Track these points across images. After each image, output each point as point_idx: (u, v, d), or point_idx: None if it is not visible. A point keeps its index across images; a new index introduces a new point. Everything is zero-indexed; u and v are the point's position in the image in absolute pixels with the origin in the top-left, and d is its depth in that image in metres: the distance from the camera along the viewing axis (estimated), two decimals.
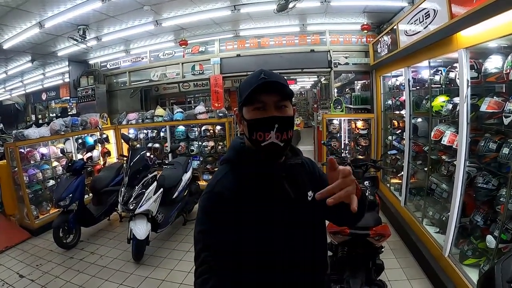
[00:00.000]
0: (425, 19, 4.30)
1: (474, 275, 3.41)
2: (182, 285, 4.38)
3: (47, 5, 6.11)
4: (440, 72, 4.34)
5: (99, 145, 8.30)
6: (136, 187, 5.11)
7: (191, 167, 6.96)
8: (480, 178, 3.40)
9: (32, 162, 6.57)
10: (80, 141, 7.84)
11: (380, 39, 6.73)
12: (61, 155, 6.85)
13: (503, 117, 3.01)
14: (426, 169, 4.95)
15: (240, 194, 1.35)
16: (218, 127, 8.22)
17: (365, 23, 7.71)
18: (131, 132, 8.97)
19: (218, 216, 1.32)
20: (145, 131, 8.96)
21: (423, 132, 5.14)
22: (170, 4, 6.59)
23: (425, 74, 5.07)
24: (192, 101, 14.57)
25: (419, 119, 5.29)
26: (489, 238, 3.22)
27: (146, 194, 5.12)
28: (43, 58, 10.23)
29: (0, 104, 17.88)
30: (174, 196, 5.99)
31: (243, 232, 1.31)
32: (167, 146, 8.40)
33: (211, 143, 8.26)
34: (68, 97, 13.62)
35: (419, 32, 4.56)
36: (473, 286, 3.29)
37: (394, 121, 6.60)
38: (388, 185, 6.84)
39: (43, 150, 6.90)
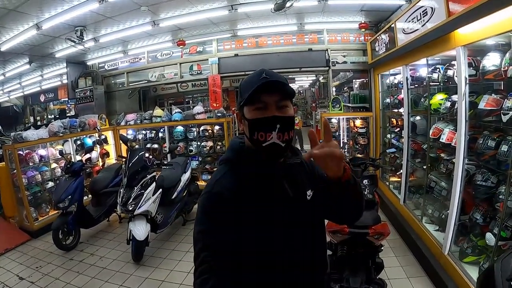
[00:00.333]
0: (423, 17, 4.30)
1: (473, 273, 3.41)
2: (182, 285, 4.37)
3: (44, 7, 6.09)
4: (438, 70, 4.34)
5: (98, 146, 8.29)
6: (135, 188, 5.10)
7: (190, 167, 6.95)
8: (479, 175, 3.40)
9: (31, 164, 6.56)
10: (78, 142, 7.83)
11: (378, 37, 6.73)
12: (60, 156, 6.85)
13: (502, 114, 3.00)
14: (425, 167, 4.94)
15: (240, 194, 1.35)
16: (217, 127, 8.21)
17: (363, 21, 7.71)
18: (129, 133, 8.98)
19: (218, 216, 1.33)
20: (143, 131, 8.96)
21: (422, 130, 5.14)
22: (167, 4, 6.58)
23: (423, 72, 5.06)
24: (191, 101, 14.55)
25: (418, 117, 5.29)
26: (489, 235, 3.22)
27: (145, 195, 5.11)
28: (41, 59, 10.20)
29: None
30: (173, 197, 5.98)
31: (242, 232, 1.32)
32: (165, 147, 8.40)
33: (210, 143, 8.25)
34: (67, 99, 13.60)
35: (417, 30, 4.56)
36: (472, 284, 3.29)
37: (392, 119, 6.61)
38: (387, 183, 6.84)
39: (42, 152, 6.89)
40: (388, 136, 6.86)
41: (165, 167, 6.01)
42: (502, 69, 3.01)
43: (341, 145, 7.85)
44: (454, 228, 3.82)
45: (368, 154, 7.62)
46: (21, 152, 6.39)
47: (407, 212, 5.41)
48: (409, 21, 4.81)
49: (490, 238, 3.20)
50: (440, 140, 4.17)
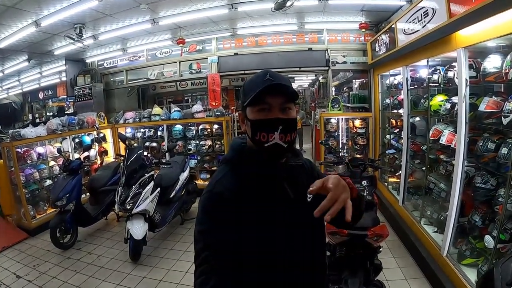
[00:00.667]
0: (424, 18, 4.29)
1: (472, 275, 3.41)
2: (180, 285, 4.36)
3: (43, 4, 6.07)
4: (438, 71, 4.33)
5: (96, 144, 8.26)
6: (133, 187, 5.10)
7: (189, 166, 6.95)
8: (478, 177, 3.39)
9: (29, 161, 6.54)
10: (77, 140, 7.79)
11: (378, 38, 6.72)
12: (58, 154, 6.84)
13: (502, 117, 2.99)
14: (424, 168, 4.94)
15: (241, 194, 1.35)
16: (216, 126, 8.18)
17: (363, 21, 7.69)
18: (128, 131, 8.96)
19: (218, 215, 1.33)
20: (142, 130, 8.94)
21: (421, 131, 5.13)
22: (167, 2, 6.57)
23: (423, 73, 5.05)
24: (190, 100, 14.54)
25: (417, 118, 5.28)
26: (488, 238, 3.21)
27: (143, 194, 5.10)
28: (40, 57, 10.18)
29: None
30: (171, 196, 5.98)
31: (243, 232, 1.32)
32: (164, 145, 8.37)
33: (209, 142, 8.23)
34: (65, 96, 13.56)
35: (418, 31, 4.55)
36: (471, 286, 3.29)
37: (392, 120, 6.60)
38: (386, 184, 6.84)
39: (40, 149, 6.86)
40: (388, 137, 6.85)
41: (163, 165, 5.99)
42: (503, 71, 3.00)
43: (340, 146, 7.84)
44: (453, 230, 3.81)
45: (367, 154, 7.62)
46: (19, 150, 6.36)
47: (406, 213, 5.40)
48: (410, 22, 4.79)
49: (489, 241, 3.19)
50: (440, 141, 4.17)
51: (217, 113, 8.14)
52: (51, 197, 5.71)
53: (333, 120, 7.91)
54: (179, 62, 9.49)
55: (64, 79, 11.67)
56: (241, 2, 6.76)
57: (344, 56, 8.37)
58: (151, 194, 5.28)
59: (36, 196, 6.62)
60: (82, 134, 7.91)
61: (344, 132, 8.03)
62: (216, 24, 8.21)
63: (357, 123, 7.81)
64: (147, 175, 5.39)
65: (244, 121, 1.45)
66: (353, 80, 10.28)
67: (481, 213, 3.42)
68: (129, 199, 4.99)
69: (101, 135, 8.42)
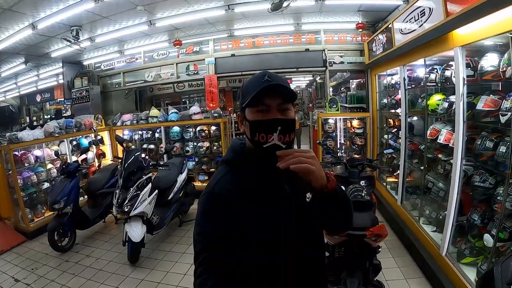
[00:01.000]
0: (421, 17, 4.29)
1: (471, 274, 3.41)
2: (178, 287, 4.35)
3: (40, 6, 6.04)
4: (435, 70, 4.33)
5: (94, 146, 8.25)
6: (131, 189, 5.08)
7: (186, 168, 6.93)
8: (477, 176, 3.39)
9: (26, 164, 6.53)
10: (74, 143, 7.80)
11: (375, 37, 6.72)
12: (56, 157, 6.81)
13: (500, 115, 3.00)
14: (422, 167, 4.95)
15: (240, 195, 1.36)
16: (213, 128, 8.17)
17: (360, 21, 7.70)
18: (126, 133, 8.95)
19: (218, 216, 1.33)
20: (140, 132, 8.93)
21: (419, 130, 5.14)
22: (163, 4, 6.55)
23: (420, 72, 5.06)
24: (187, 102, 14.53)
25: (415, 118, 5.29)
26: (487, 236, 3.21)
27: (141, 196, 5.08)
28: (37, 59, 10.14)
29: None
30: (169, 198, 5.96)
31: (242, 232, 1.32)
32: (162, 147, 8.35)
33: (207, 144, 8.21)
34: (63, 99, 13.52)
35: (415, 30, 4.56)
36: (470, 285, 3.29)
37: (389, 120, 6.60)
38: (385, 184, 6.85)
39: (38, 152, 6.86)
40: (385, 136, 6.86)
41: (161, 167, 5.99)
42: (500, 69, 3.01)
43: (338, 146, 7.84)
44: (452, 229, 3.81)
45: (365, 154, 7.63)
46: (16, 153, 6.36)
47: (404, 213, 5.40)
48: (407, 22, 4.80)
49: (488, 239, 3.19)
50: (438, 141, 4.17)
51: (214, 115, 8.13)
52: (49, 200, 5.69)
53: (331, 121, 7.91)
54: (176, 63, 9.46)
55: (61, 81, 11.62)
56: (237, 3, 6.75)
57: (341, 56, 8.36)
58: (149, 196, 5.27)
59: (34, 199, 6.62)
60: (80, 136, 7.91)
61: (342, 132, 8.03)
62: (213, 25, 8.19)
63: (355, 123, 7.81)
64: (145, 177, 5.37)
65: (243, 122, 1.45)
66: (351, 80, 10.30)
67: (480, 211, 3.42)
68: (127, 201, 4.97)
69: (99, 137, 8.40)
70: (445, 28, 3.62)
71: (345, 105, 8.31)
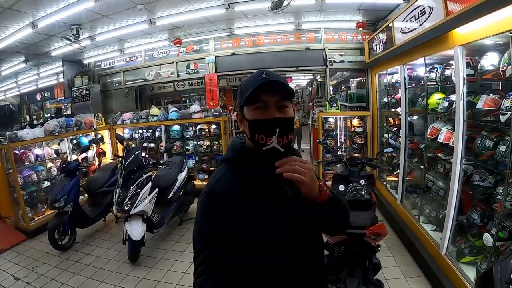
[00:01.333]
0: (421, 16, 4.29)
1: (471, 273, 3.41)
2: (178, 286, 4.36)
3: (40, 5, 6.05)
4: (436, 69, 4.33)
5: (94, 145, 8.25)
6: (131, 188, 5.08)
7: (187, 167, 6.93)
8: (476, 175, 3.39)
9: (26, 163, 6.54)
10: (74, 141, 7.81)
11: (375, 36, 6.72)
12: (56, 156, 6.80)
13: (500, 115, 3.00)
14: (422, 167, 4.95)
15: (240, 194, 1.35)
16: (213, 126, 8.17)
17: (360, 20, 7.70)
18: (126, 132, 8.93)
19: (218, 215, 1.33)
20: (140, 130, 8.92)
21: (419, 129, 5.14)
22: (163, 2, 6.56)
23: (420, 71, 5.06)
24: (187, 100, 14.52)
25: (415, 117, 5.29)
26: (486, 236, 3.21)
27: (141, 195, 5.09)
28: (37, 58, 10.15)
29: None
30: (169, 196, 5.96)
31: (242, 232, 1.32)
32: (162, 146, 8.34)
33: (207, 142, 8.21)
34: (63, 97, 13.52)
35: (415, 29, 4.56)
36: (470, 284, 3.29)
37: (390, 118, 6.60)
38: (385, 183, 6.85)
39: (38, 151, 6.87)
40: (385, 135, 6.85)
41: (161, 166, 5.98)
42: (500, 69, 3.01)
43: (338, 145, 7.84)
44: (452, 228, 3.81)
45: (365, 153, 7.63)
46: (16, 152, 6.35)
47: (404, 212, 5.40)
48: (407, 21, 4.80)
49: (487, 239, 3.19)
50: (438, 140, 4.17)
51: (214, 113, 8.13)
52: (49, 198, 5.69)
53: (331, 120, 7.91)
54: (177, 62, 9.48)
55: (61, 80, 11.62)
56: (238, 2, 6.75)
57: (341, 55, 8.37)
58: (149, 195, 5.28)
59: (34, 198, 6.63)
60: (80, 135, 7.90)
61: (342, 131, 8.03)
62: (213, 24, 8.20)
63: (355, 122, 7.82)
64: (145, 176, 5.37)
65: (242, 121, 1.44)
66: (351, 79, 10.29)
67: (480, 211, 3.41)
68: (127, 200, 4.97)
69: (99, 136, 8.39)
70: (445, 27, 3.62)
71: (345, 104, 8.32)
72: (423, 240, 4.52)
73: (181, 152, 8.23)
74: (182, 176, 6.45)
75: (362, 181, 4.14)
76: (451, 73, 3.86)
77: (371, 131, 7.61)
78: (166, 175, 6.07)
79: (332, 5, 7.13)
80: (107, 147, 8.73)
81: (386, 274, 4.14)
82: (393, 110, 6.35)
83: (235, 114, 7.45)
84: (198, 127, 8.20)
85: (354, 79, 9.96)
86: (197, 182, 7.79)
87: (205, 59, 9.09)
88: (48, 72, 12.51)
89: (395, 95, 6.11)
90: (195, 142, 8.30)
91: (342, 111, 7.95)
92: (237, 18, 7.88)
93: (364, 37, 8.14)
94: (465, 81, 3.47)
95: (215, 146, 8.19)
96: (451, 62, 3.87)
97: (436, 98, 4.38)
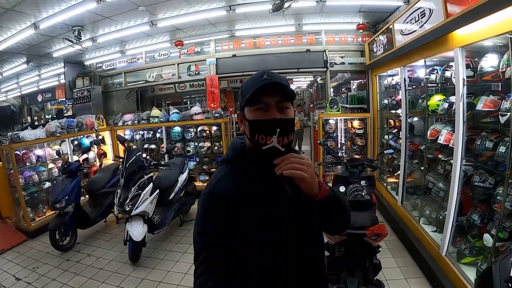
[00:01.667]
0: (421, 18, 4.31)
1: (471, 274, 3.41)
2: (179, 286, 4.36)
3: (42, 6, 6.07)
4: (436, 71, 4.34)
5: (95, 146, 8.27)
6: (132, 189, 5.09)
7: (187, 168, 6.94)
8: (476, 176, 3.40)
9: (27, 164, 6.54)
10: (76, 142, 7.81)
11: (375, 38, 6.73)
12: (57, 157, 6.81)
13: (499, 116, 3.01)
14: (422, 168, 4.96)
15: (240, 194, 1.35)
16: (214, 128, 8.17)
17: (361, 22, 7.72)
18: (127, 133, 8.95)
19: (218, 216, 1.33)
20: (141, 132, 8.95)
21: (420, 131, 5.15)
22: (165, 4, 6.57)
23: (421, 73, 5.07)
24: (188, 102, 14.54)
25: (415, 118, 5.30)
26: (486, 236, 3.22)
27: (142, 196, 5.10)
28: (38, 59, 10.18)
29: None
30: (170, 197, 5.97)
31: (242, 232, 1.32)
32: (163, 147, 8.35)
33: (208, 144, 8.22)
34: (64, 99, 13.55)
35: (415, 31, 4.57)
36: (470, 285, 3.30)
37: (390, 120, 6.62)
38: (385, 184, 6.86)
39: (39, 152, 6.87)
40: (386, 137, 6.87)
41: (162, 167, 6.00)
42: (499, 70, 3.03)
43: (339, 146, 7.84)
44: (452, 229, 3.82)
45: (366, 155, 7.64)
46: (18, 152, 6.36)
47: (404, 213, 5.41)
48: (407, 22, 4.81)
49: (487, 239, 3.20)
50: (438, 141, 4.18)
51: (215, 115, 8.14)
52: (50, 199, 5.71)
53: (331, 121, 7.91)
54: (178, 64, 9.51)
55: (62, 81, 11.63)
56: (239, 4, 6.77)
57: (342, 57, 8.38)
58: (150, 196, 5.28)
59: (35, 199, 6.63)
60: (81, 136, 7.92)
61: (342, 132, 8.03)
62: (214, 26, 8.22)
63: (356, 123, 7.82)
64: (146, 177, 5.38)
65: (243, 122, 1.44)
66: (351, 81, 10.30)
67: (480, 211, 3.42)
68: (128, 200, 4.98)
69: (100, 137, 8.41)
70: (445, 29, 3.64)
71: (346, 105, 8.34)
72: (423, 241, 4.52)
73: (182, 153, 8.23)
74: (183, 177, 6.45)
75: (363, 182, 4.15)
76: (451, 75, 3.88)
77: (371, 133, 7.62)
78: (167, 176, 6.07)
79: (332, 7, 7.15)
80: (108, 148, 8.74)
81: (387, 275, 4.14)
82: (393, 111, 6.36)
83: (236, 115, 7.47)
84: (199, 128, 8.20)
85: (355, 81, 9.97)
86: (198, 184, 7.81)
87: (206, 60, 9.11)
88: (50, 73, 12.54)
89: (396, 96, 6.12)
90: (196, 144, 8.31)
91: (343, 112, 7.96)
92: (238, 20, 7.91)
93: (364, 39, 8.15)
94: (465, 83, 3.48)
95: (216, 148, 8.19)
96: (451, 63, 3.88)
97: (436, 99, 4.39)
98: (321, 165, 7.45)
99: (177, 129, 8.38)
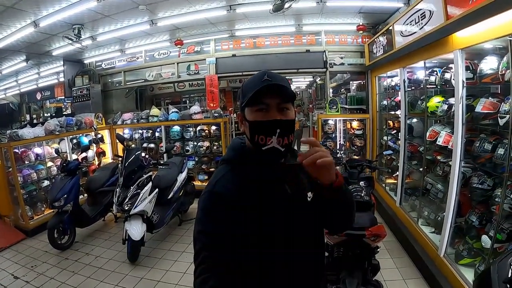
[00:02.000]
0: (421, 20, 4.31)
1: (469, 275, 3.42)
2: (178, 286, 4.36)
3: (42, 4, 6.07)
4: (435, 72, 4.35)
5: (94, 145, 8.26)
6: (131, 188, 5.10)
7: (186, 167, 6.94)
8: (475, 178, 3.42)
9: (26, 162, 6.53)
10: (75, 141, 7.80)
11: (375, 39, 6.74)
12: (56, 155, 6.81)
13: (498, 118, 3.02)
14: (421, 169, 4.97)
15: (240, 194, 1.35)
16: (214, 127, 8.17)
17: (361, 23, 7.72)
18: (126, 132, 8.94)
19: (218, 215, 1.33)
20: (140, 131, 8.93)
21: (419, 132, 5.17)
22: (165, 3, 6.57)
23: (420, 74, 5.08)
24: (188, 101, 14.52)
25: (414, 120, 5.32)
26: (485, 238, 3.23)
27: (141, 195, 5.10)
28: (38, 57, 10.16)
29: None
30: (169, 197, 5.97)
31: (242, 232, 1.32)
32: (162, 146, 8.36)
33: (207, 143, 8.23)
34: (63, 97, 13.51)
35: (415, 33, 4.58)
36: (468, 286, 3.31)
37: (389, 121, 6.63)
38: (384, 185, 6.86)
39: (38, 150, 6.86)
40: (385, 138, 6.87)
41: (161, 166, 6.01)
42: (499, 73, 3.04)
43: (338, 147, 7.85)
44: (450, 230, 3.83)
45: (365, 156, 7.64)
46: (16, 150, 6.35)
47: (403, 214, 5.42)
48: (407, 24, 4.82)
49: (486, 241, 3.21)
50: (437, 142, 4.19)
51: (215, 115, 8.16)
52: (49, 198, 5.70)
53: (330, 122, 7.92)
54: (177, 63, 9.50)
55: (62, 80, 11.63)
56: (239, 4, 6.77)
57: (341, 58, 8.39)
58: (149, 195, 5.29)
59: (34, 197, 6.63)
60: (80, 135, 7.90)
61: (341, 133, 8.04)
62: (214, 26, 8.21)
63: (355, 124, 7.82)
64: (145, 176, 5.39)
65: (243, 122, 1.44)
66: (351, 82, 10.29)
67: (478, 213, 3.44)
68: (127, 200, 4.99)
69: (99, 136, 8.40)
70: (445, 31, 3.64)
71: (345, 106, 8.33)
72: (421, 242, 4.53)
73: (181, 152, 8.24)
74: (182, 176, 6.46)
75: (362, 183, 4.16)
76: (451, 77, 3.89)
77: (370, 134, 7.62)
78: (166, 176, 6.08)
79: (333, 8, 7.15)
80: (107, 147, 8.73)
81: (385, 276, 4.16)
82: (392, 112, 6.37)
83: (235, 115, 7.45)
84: (198, 128, 8.21)
85: (354, 82, 9.96)
86: (196, 183, 7.81)
87: (205, 60, 9.10)
88: (49, 71, 12.52)
89: (395, 98, 6.13)
90: (195, 143, 8.31)
91: (342, 113, 7.95)
92: (238, 19, 7.90)
93: (364, 40, 8.16)
94: (464, 85, 3.50)
95: (215, 147, 8.20)
96: (450, 65, 3.89)
97: (435, 101, 4.40)
98: None
99: (176, 128, 8.39)
